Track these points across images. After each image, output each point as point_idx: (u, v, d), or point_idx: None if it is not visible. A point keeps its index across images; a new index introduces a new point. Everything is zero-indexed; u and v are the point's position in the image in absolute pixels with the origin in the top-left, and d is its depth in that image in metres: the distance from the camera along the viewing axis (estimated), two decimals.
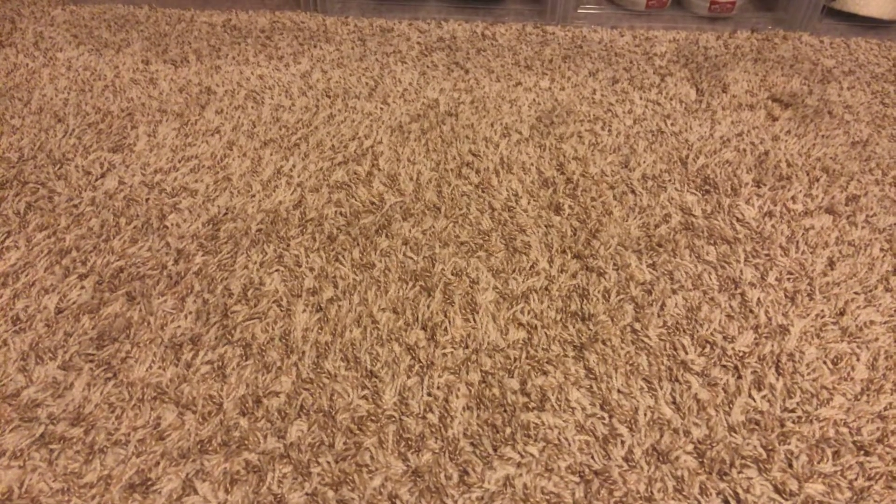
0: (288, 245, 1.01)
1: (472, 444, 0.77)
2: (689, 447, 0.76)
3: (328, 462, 0.75)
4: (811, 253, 1.00)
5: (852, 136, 1.23)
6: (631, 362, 0.85)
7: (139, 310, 0.91)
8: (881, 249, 1.00)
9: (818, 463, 0.74)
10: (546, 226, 1.05)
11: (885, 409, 0.80)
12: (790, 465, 0.74)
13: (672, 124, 1.26)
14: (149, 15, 1.56)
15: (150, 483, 0.73)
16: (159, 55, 1.44)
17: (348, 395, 0.81)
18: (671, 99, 1.32)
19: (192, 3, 1.58)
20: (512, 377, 0.83)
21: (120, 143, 1.20)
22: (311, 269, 0.97)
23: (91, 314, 0.90)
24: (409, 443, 0.77)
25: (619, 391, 0.82)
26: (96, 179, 1.12)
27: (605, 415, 0.79)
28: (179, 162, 1.16)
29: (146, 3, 1.58)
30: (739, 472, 0.74)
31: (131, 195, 1.09)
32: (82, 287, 0.94)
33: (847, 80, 1.37)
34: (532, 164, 1.17)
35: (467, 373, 0.84)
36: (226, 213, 1.06)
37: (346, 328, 0.89)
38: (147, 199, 1.08)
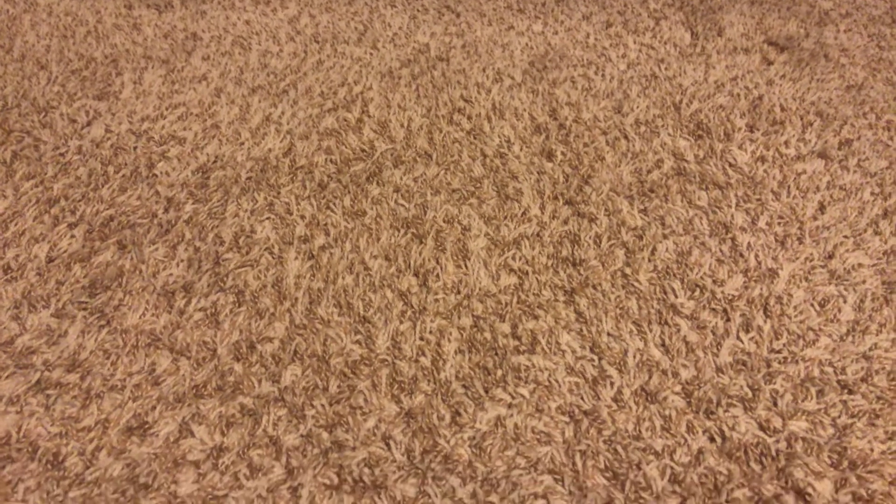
0: (278, 193, 1.00)
1: (463, 386, 0.78)
2: (678, 388, 0.78)
3: (322, 405, 0.76)
4: (802, 197, 1.00)
5: (847, 79, 1.21)
6: (621, 306, 0.86)
7: (130, 258, 0.90)
8: (872, 193, 1.01)
9: (802, 401, 0.76)
10: (538, 172, 1.04)
11: (870, 349, 0.81)
12: (775, 404, 0.76)
13: (666, 69, 1.24)
14: None
15: (147, 426, 0.74)
16: (142, 0, 1.40)
17: (341, 340, 0.82)
18: (665, 43, 1.30)
19: None
20: (503, 321, 0.84)
21: (105, 91, 1.17)
22: (303, 217, 0.96)
23: (82, 263, 0.90)
24: (402, 385, 0.78)
25: (608, 334, 0.83)
26: (82, 128, 1.10)
27: (595, 357, 0.81)
28: (167, 110, 1.14)
29: None
30: (725, 411, 0.75)
31: (119, 143, 1.07)
32: (72, 236, 0.93)
33: (844, 22, 1.35)
34: (524, 110, 1.15)
35: (459, 317, 0.84)
36: (215, 161, 1.05)
37: (339, 275, 0.89)
38: (135, 148, 1.07)
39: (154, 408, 0.76)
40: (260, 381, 0.78)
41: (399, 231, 0.95)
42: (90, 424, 0.74)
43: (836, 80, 1.21)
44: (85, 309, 0.85)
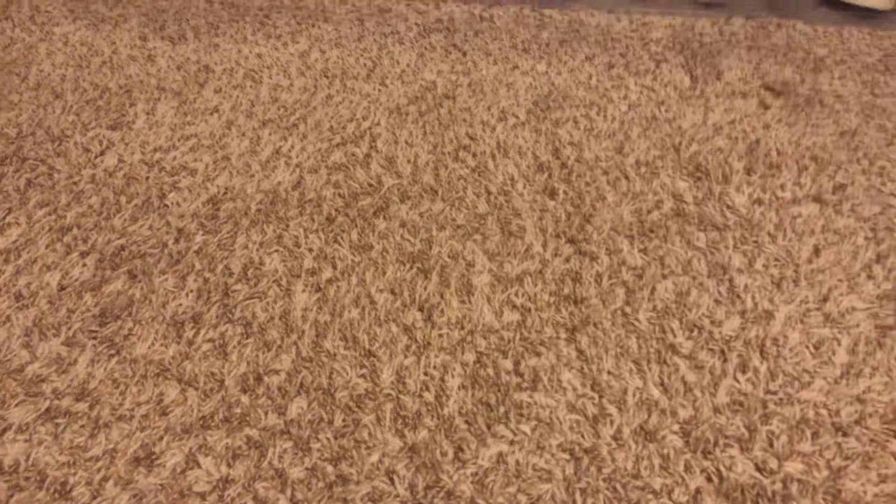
0: (287, 225, 1.02)
1: (466, 421, 0.79)
2: (676, 427, 0.79)
3: (327, 438, 0.77)
4: (798, 240, 1.03)
5: (841, 125, 1.25)
6: (621, 345, 0.88)
7: (141, 288, 0.92)
8: (865, 238, 1.03)
9: (798, 443, 0.78)
10: (541, 210, 1.07)
11: (864, 392, 0.83)
12: (771, 445, 0.77)
13: (666, 111, 1.27)
14: None
15: (154, 457, 0.75)
16: (157, 31, 1.43)
17: (347, 374, 0.84)
18: (666, 85, 1.34)
19: None
20: (506, 358, 0.86)
21: (119, 121, 1.20)
22: (311, 250, 0.99)
23: (93, 291, 0.92)
24: (406, 420, 0.79)
25: (609, 372, 0.84)
26: (96, 157, 1.13)
27: (596, 395, 0.82)
28: (178, 140, 1.17)
29: None
30: (723, 451, 0.77)
31: (131, 173, 1.10)
32: (84, 264, 0.95)
33: (838, 69, 1.39)
34: (528, 149, 1.18)
35: (463, 353, 0.86)
36: (225, 193, 1.07)
37: (345, 308, 0.91)
38: (147, 178, 1.09)
39: (161, 438, 0.77)
40: (266, 413, 0.79)
41: (405, 265, 0.97)
42: (98, 454, 0.75)
43: (830, 125, 1.25)
44: (95, 338, 0.86)
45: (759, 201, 1.09)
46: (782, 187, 1.12)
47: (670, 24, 1.52)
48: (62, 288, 0.92)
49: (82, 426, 0.77)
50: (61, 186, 1.07)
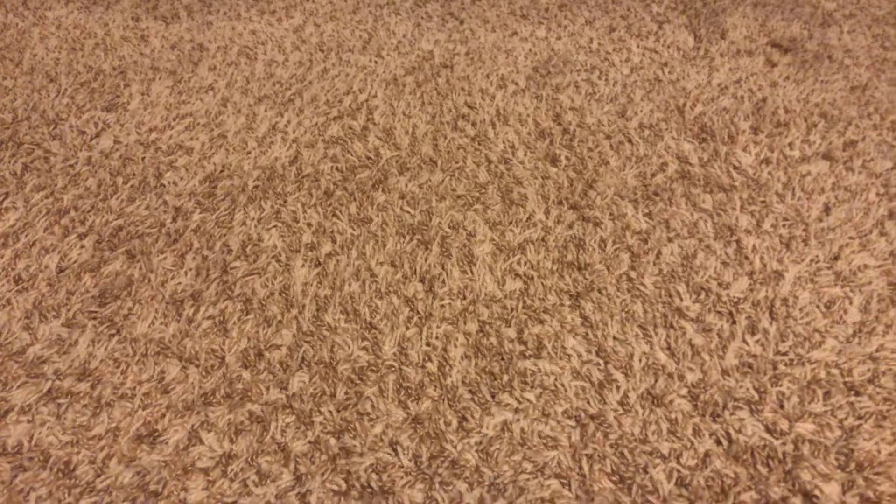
0: (285, 201, 1.01)
1: (470, 391, 0.78)
2: (684, 391, 0.78)
3: (330, 411, 0.76)
4: (807, 199, 1.00)
5: (851, 80, 1.21)
6: (626, 310, 0.86)
7: (139, 267, 0.91)
8: (877, 194, 1.00)
9: (809, 404, 0.76)
10: (543, 177, 1.05)
11: (877, 350, 0.81)
12: (781, 406, 0.76)
13: (669, 72, 1.24)
14: None
15: (156, 434, 0.75)
16: (149, 11, 1.41)
17: (348, 347, 0.83)
18: (669, 46, 1.30)
19: None
20: (509, 326, 0.84)
21: (113, 102, 1.19)
22: (309, 225, 0.97)
23: (92, 272, 0.91)
24: (409, 391, 0.78)
25: (614, 338, 0.83)
26: (91, 139, 1.12)
27: (601, 361, 0.81)
28: (174, 120, 1.15)
29: None
30: (732, 414, 0.75)
31: (127, 154, 1.09)
32: (82, 246, 0.94)
33: (848, 23, 1.35)
34: (528, 116, 1.16)
35: (465, 323, 0.85)
36: (222, 171, 1.06)
37: (345, 282, 0.90)
38: (143, 158, 1.08)
39: (164, 416, 0.76)
40: (268, 388, 0.79)
41: (405, 237, 0.96)
42: (101, 433, 0.75)
43: (840, 81, 1.21)
44: (95, 318, 0.86)
45: (767, 161, 1.07)
46: (790, 146, 1.09)
47: None
48: (61, 270, 0.91)
49: (84, 406, 0.77)
50: (58, 170, 1.06)
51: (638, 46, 1.31)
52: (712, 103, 1.17)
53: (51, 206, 1.00)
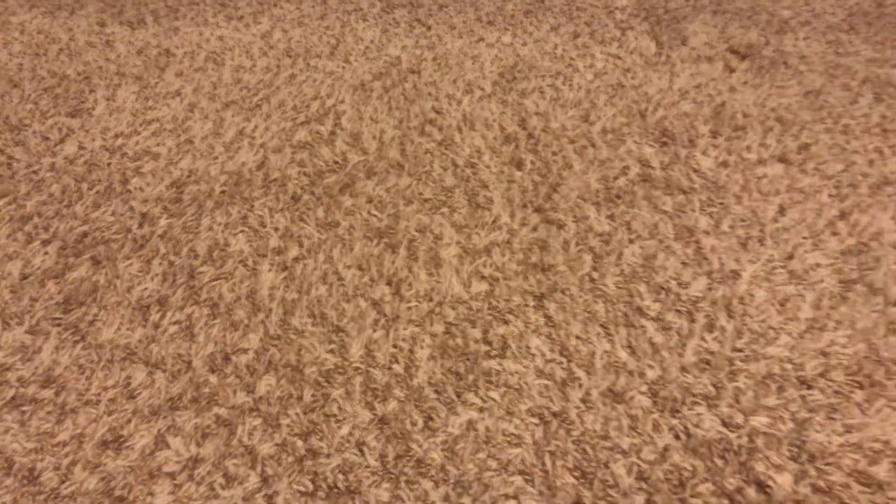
0: (252, 206, 1.01)
1: (436, 391, 0.79)
2: (644, 388, 0.80)
3: (297, 414, 0.77)
4: (763, 200, 1.03)
5: (806, 85, 1.25)
6: (589, 310, 0.88)
7: (105, 273, 0.91)
8: (829, 195, 1.04)
9: (763, 398, 0.79)
10: (508, 181, 1.06)
11: (828, 345, 0.84)
12: (737, 401, 0.78)
13: (632, 78, 1.27)
14: None
15: (122, 440, 0.75)
16: (115, 17, 1.41)
17: (315, 350, 0.83)
18: (632, 52, 1.33)
19: None
20: (475, 327, 0.86)
21: (78, 108, 1.18)
22: (276, 229, 0.98)
23: (56, 279, 0.91)
24: (376, 392, 0.79)
25: (577, 337, 0.85)
26: (55, 145, 1.11)
27: (564, 360, 0.83)
28: (140, 125, 1.15)
29: None
30: (690, 409, 0.78)
31: (92, 160, 1.08)
32: (46, 253, 0.94)
33: (803, 30, 1.40)
34: (494, 120, 1.18)
35: (431, 324, 0.86)
36: (189, 176, 1.06)
37: (312, 286, 0.90)
38: (109, 164, 1.08)
39: (129, 421, 0.76)
40: (235, 392, 0.79)
41: (372, 241, 0.97)
42: (65, 439, 0.75)
43: (795, 86, 1.25)
44: (59, 325, 0.85)
45: (725, 163, 1.10)
46: (748, 149, 1.12)
47: None
48: (24, 277, 0.91)
49: (49, 412, 0.77)
50: (21, 176, 1.05)
51: (601, 52, 1.34)
52: (673, 108, 1.20)
53: (14, 212, 0.99)
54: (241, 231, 0.97)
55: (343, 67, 1.29)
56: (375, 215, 1.00)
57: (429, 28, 1.40)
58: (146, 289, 0.90)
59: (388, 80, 1.26)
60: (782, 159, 1.10)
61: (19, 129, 1.13)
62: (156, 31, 1.37)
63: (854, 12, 1.45)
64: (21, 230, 0.97)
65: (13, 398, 0.78)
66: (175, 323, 0.86)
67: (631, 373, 0.81)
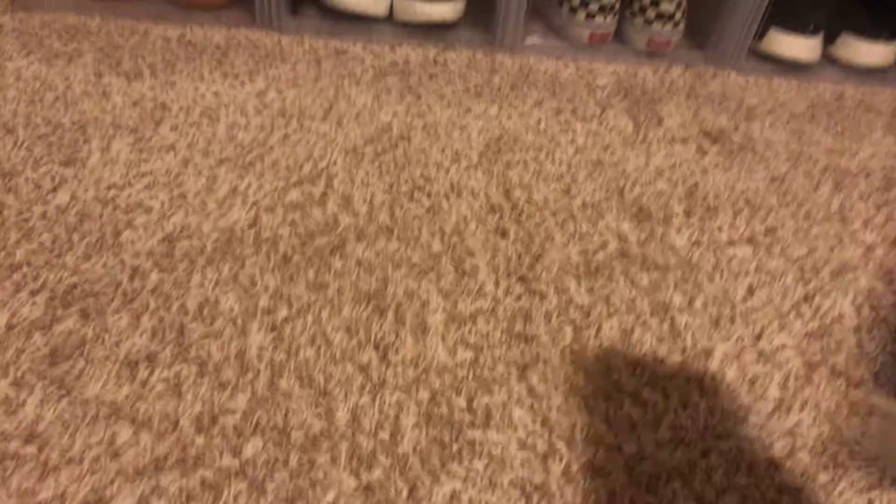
0: (243, 264, 1.03)
1: (421, 459, 0.81)
2: (621, 462, 0.83)
3: (283, 478, 0.78)
4: (734, 280, 1.09)
5: (772, 171, 1.34)
6: (570, 382, 0.91)
7: (93, 327, 0.92)
8: (794, 278, 1.10)
9: (734, 477, 0.82)
10: (493, 249, 1.10)
11: (795, 426, 0.88)
12: (709, 478, 0.82)
13: (611, 154, 1.34)
14: (101, 26, 1.55)
15: (105, 501, 0.75)
16: (112, 68, 1.43)
17: (303, 413, 0.85)
18: (611, 130, 1.40)
19: (147, 16, 1.58)
20: (459, 395, 0.88)
21: (72, 157, 1.20)
22: (266, 289, 1.00)
23: (43, 331, 0.91)
24: (361, 459, 0.81)
25: (558, 409, 0.88)
26: (47, 193, 1.12)
27: (546, 431, 0.85)
28: (134, 178, 1.17)
29: (98, 14, 1.57)
30: (665, 485, 0.81)
31: (84, 210, 1.09)
32: (34, 303, 0.94)
33: (768, 118, 1.49)
34: (481, 190, 1.23)
35: (417, 391, 0.88)
36: (181, 231, 1.08)
37: (301, 347, 0.92)
38: (101, 216, 1.09)
39: (113, 481, 0.76)
40: (221, 454, 0.80)
41: (360, 304, 0.99)
42: (47, 498, 0.74)
43: (762, 171, 1.33)
44: (45, 378, 0.85)
45: (698, 243, 1.16)
46: (719, 229, 1.19)
47: (615, 71, 1.61)
48: (10, 327, 0.91)
49: (31, 469, 0.76)
50: (11, 223, 1.05)
51: (582, 128, 1.41)
52: (649, 186, 1.27)
53: (2, 260, 1.00)
54: (232, 289, 0.99)
55: (336, 130, 1.33)
56: (364, 278, 1.03)
57: (419, 97, 1.45)
58: (134, 344, 0.91)
59: (379, 146, 1.30)
60: (751, 241, 1.17)
61: (11, 176, 1.14)
62: (152, 84, 1.40)
63: (815, 103, 1.55)
64: (9, 279, 0.97)
65: None
66: (163, 381, 0.86)
67: (609, 447, 0.84)
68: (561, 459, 0.83)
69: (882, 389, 0.95)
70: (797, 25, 1.59)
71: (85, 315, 0.93)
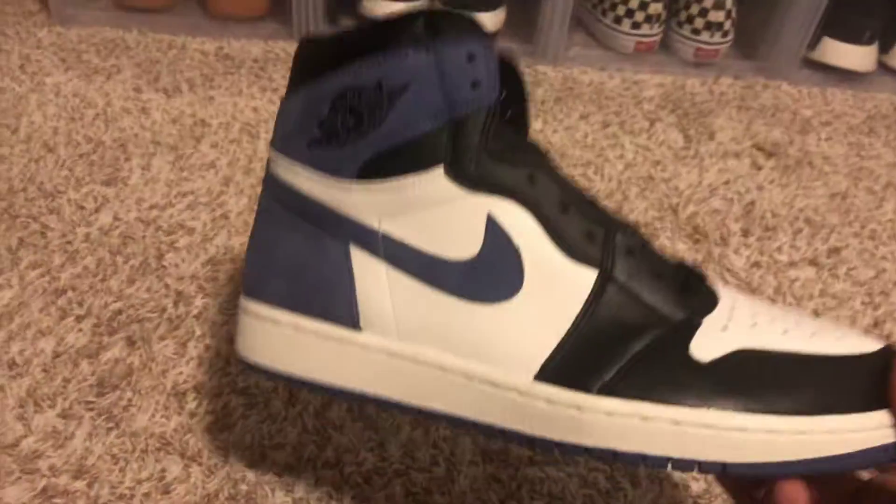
0: None
1: (478, 498, 0.78)
2: (690, 501, 0.79)
3: None
4: (798, 304, 1.04)
5: (831, 187, 1.28)
6: None
7: (140, 355, 0.90)
8: (862, 303, 1.05)
9: None
10: None
11: None
12: None
13: (662, 170, 1.29)
14: (139, 40, 1.54)
15: None
16: (151, 83, 1.42)
17: (354, 447, 0.82)
18: (661, 144, 1.36)
19: (183, 29, 1.57)
20: None
21: (113, 176, 1.18)
22: None
23: (90, 359, 0.89)
24: (417, 497, 0.77)
25: None
26: (90, 214, 1.10)
27: (607, 468, 0.81)
28: (175, 198, 1.15)
29: (136, 28, 1.57)
30: None
31: (127, 232, 1.08)
32: (80, 330, 0.92)
33: (825, 130, 1.43)
34: None
35: None
36: (225, 253, 1.05)
37: None
38: (143, 237, 1.07)
39: None
40: (273, 491, 0.77)
41: None
42: None
43: (820, 187, 1.28)
44: (92, 409, 0.83)
45: (758, 264, 1.11)
46: (779, 250, 1.14)
47: (661, 83, 1.56)
48: (57, 355, 0.89)
49: None
50: (55, 246, 1.04)
51: (630, 143, 1.37)
52: (704, 204, 1.22)
53: (47, 285, 0.98)
54: None
55: None
56: None
57: None
58: (181, 373, 0.88)
59: None
60: (813, 262, 1.12)
61: (54, 196, 1.13)
62: (191, 99, 1.39)
63: (873, 115, 1.49)
64: (55, 304, 0.95)
65: (44, 489, 0.75)
66: (211, 412, 0.84)
67: (675, 485, 0.80)
68: (625, 497, 0.79)
69: None
70: (852, 34, 1.53)
71: (131, 342, 0.91)
